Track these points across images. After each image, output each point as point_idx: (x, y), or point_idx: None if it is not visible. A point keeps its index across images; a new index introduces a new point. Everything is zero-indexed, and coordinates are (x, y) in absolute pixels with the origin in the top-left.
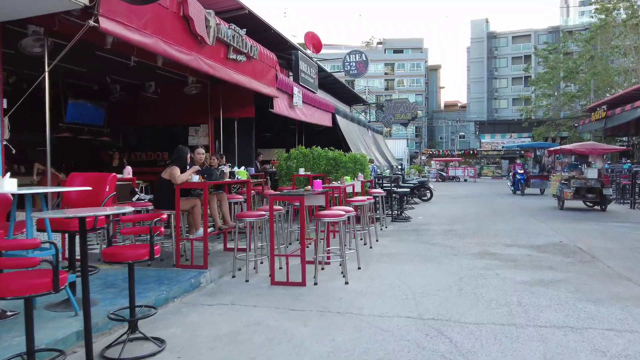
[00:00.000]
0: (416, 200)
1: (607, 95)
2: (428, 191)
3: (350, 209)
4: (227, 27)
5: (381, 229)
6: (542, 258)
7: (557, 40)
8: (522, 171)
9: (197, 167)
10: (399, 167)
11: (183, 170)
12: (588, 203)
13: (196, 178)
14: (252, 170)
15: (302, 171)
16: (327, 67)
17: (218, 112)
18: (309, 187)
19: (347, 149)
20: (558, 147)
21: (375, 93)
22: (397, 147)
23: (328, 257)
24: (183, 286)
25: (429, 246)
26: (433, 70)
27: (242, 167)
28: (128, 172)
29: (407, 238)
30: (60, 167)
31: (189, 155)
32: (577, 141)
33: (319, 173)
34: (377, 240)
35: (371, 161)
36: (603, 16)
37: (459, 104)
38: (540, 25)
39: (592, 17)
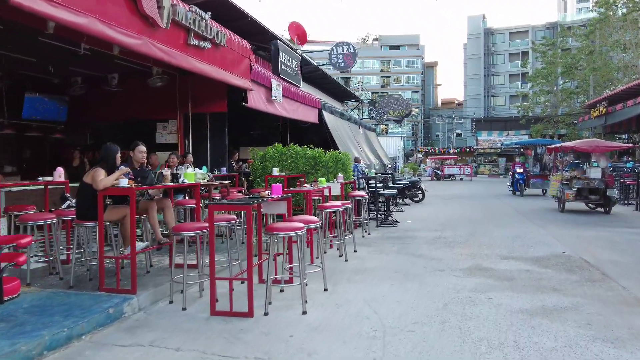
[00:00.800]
0: (407, 201)
1: (607, 91)
2: (420, 191)
3: (315, 219)
4: (187, 9)
5: (363, 236)
6: (543, 275)
7: (556, 34)
8: (521, 170)
9: (125, 169)
10: (389, 166)
11: (111, 173)
12: (591, 205)
13: (124, 182)
14: (224, 170)
15: (275, 171)
16: (320, 64)
17: (187, 107)
18: (266, 192)
19: (335, 147)
20: (559, 145)
21: (371, 90)
22: (393, 145)
23: (290, 276)
24: (97, 319)
25: (413, 259)
26: (430, 67)
27: (203, 168)
28: (59, 174)
29: (389, 248)
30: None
31: (118, 155)
32: (576, 139)
33: (297, 173)
34: (355, 251)
35: (357, 160)
36: (603, 9)
37: (456, 102)
38: (538, 21)
39: (591, 10)
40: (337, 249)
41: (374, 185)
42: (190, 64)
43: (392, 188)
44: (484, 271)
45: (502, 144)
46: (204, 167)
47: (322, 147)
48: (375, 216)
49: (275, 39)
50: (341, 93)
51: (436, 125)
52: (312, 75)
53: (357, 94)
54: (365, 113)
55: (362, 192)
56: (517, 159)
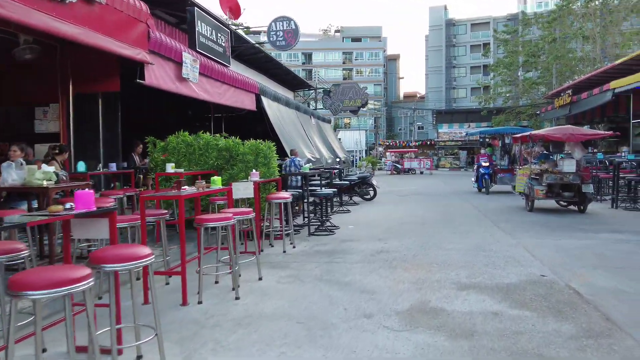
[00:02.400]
0: (357, 200)
1: (569, 81)
2: (371, 188)
3: (142, 252)
4: None
5: (284, 251)
6: (519, 324)
7: (518, 22)
8: (487, 164)
9: None
10: (340, 160)
11: None
12: (562, 202)
13: None
14: (113, 166)
15: (170, 168)
16: (262, 43)
17: (70, 86)
18: (65, 205)
19: (276, 139)
20: (527, 133)
21: (333, 83)
22: (355, 139)
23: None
24: None
25: (336, 292)
26: (392, 60)
27: (80, 164)
28: None
29: (310, 272)
30: None
31: None
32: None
33: (207, 169)
34: (260, 279)
35: (294, 153)
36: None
37: (418, 95)
38: (499, 12)
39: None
40: (235, 270)
41: (314, 183)
42: (42, 22)
43: (334, 185)
44: (431, 317)
45: (466, 134)
46: (81, 163)
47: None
48: (308, 222)
49: (194, 6)
50: (292, 80)
51: (398, 119)
52: (254, 58)
53: (312, 83)
54: (318, 103)
55: (285, 194)
56: (483, 151)
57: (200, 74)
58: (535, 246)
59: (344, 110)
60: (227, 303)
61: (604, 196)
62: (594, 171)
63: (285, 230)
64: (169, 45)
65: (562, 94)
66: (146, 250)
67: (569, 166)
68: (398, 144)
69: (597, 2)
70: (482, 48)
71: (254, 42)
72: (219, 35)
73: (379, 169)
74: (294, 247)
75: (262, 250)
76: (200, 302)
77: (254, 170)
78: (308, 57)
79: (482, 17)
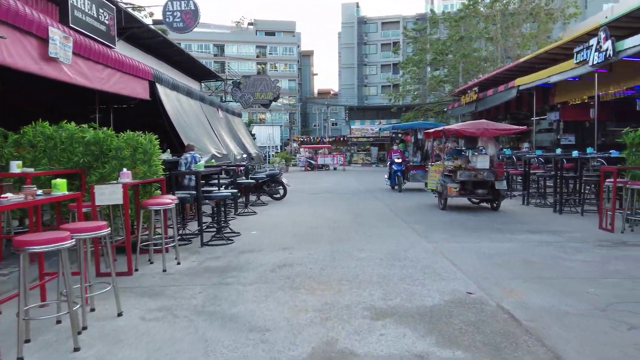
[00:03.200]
0: (265, 199)
1: (474, 79)
2: (280, 187)
3: None
4: None
5: (164, 270)
6: None
7: (426, 19)
8: (399, 160)
9: None
10: (249, 156)
11: None
12: (474, 199)
13: None
14: None
15: (16, 167)
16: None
17: None
18: None
19: (173, 132)
20: (439, 128)
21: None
22: (270, 134)
23: None
24: None
25: (215, 333)
26: (306, 56)
27: None
28: None
29: (187, 301)
30: None
31: None
32: None
33: (71, 168)
34: (119, 315)
35: (190, 148)
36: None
37: (332, 92)
38: (409, 12)
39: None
40: (95, 309)
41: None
42: None
43: (238, 185)
44: None
45: (379, 129)
46: None
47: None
48: (201, 230)
49: None
50: (198, 70)
51: (313, 115)
52: (152, 43)
53: (223, 76)
54: (227, 96)
55: (167, 198)
56: (395, 147)
57: (74, 54)
58: (455, 252)
59: (255, 104)
60: (60, 357)
61: (513, 192)
62: (504, 167)
63: (171, 242)
64: (28, 17)
65: (468, 91)
66: None
67: (482, 162)
68: (312, 140)
69: (499, 4)
70: (392, 46)
71: (148, 24)
72: (101, 11)
73: (294, 165)
74: (178, 263)
75: (136, 270)
76: (20, 359)
77: (124, 170)
78: (220, 49)
79: (392, 15)
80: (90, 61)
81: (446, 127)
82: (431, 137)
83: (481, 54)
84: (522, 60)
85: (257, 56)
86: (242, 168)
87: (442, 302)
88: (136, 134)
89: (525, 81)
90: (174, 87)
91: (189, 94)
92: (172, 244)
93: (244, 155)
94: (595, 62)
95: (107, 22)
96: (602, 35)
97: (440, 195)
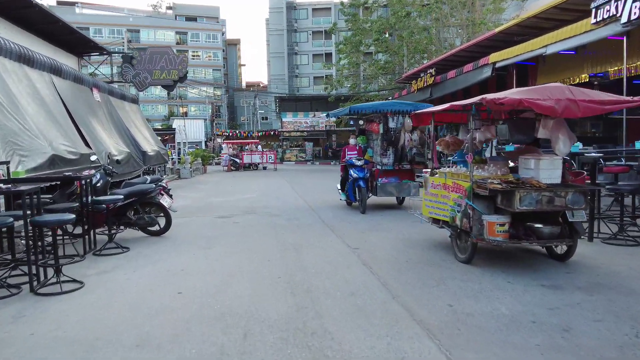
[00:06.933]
0: (130, 236)
1: (418, 65)
2: (161, 211)
3: None
4: None
5: None
6: None
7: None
8: (360, 162)
9: None
10: (122, 157)
11: None
12: (529, 242)
13: None
14: None
15: None
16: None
17: None
18: None
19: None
20: (460, 103)
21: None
22: (193, 129)
23: None
24: None
25: None
26: (232, 45)
27: None
28: None
29: None
30: None
31: None
32: None
33: None
34: None
35: None
36: None
37: (261, 84)
38: None
39: None
40: None
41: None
42: None
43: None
44: None
45: (328, 116)
46: None
47: None
48: None
49: None
50: (77, 42)
51: (241, 108)
52: (23, 14)
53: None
54: (111, 69)
55: None
56: (352, 141)
57: None
58: None
59: (154, 85)
60: None
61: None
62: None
63: None
64: None
65: (422, 75)
66: None
67: (549, 171)
68: (239, 135)
69: None
70: (324, 35)
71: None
72: None
73: (217, 164)
74: None
75: None
76: None
77: None
78: (135, 34)
79: (324, 1)
80: None
81: (486, 96)
82: (430, 122)
83: (432, 34)
84: (497, 30)
85: (177, 43)
86: (86, 179)
87: None
88: None
89: (505, 56)
90: (28, 60)
91: (57, 71)
92: None
93: (121, 157)
94: (633, 18)
95: None
96: None
97: (458, 236)
